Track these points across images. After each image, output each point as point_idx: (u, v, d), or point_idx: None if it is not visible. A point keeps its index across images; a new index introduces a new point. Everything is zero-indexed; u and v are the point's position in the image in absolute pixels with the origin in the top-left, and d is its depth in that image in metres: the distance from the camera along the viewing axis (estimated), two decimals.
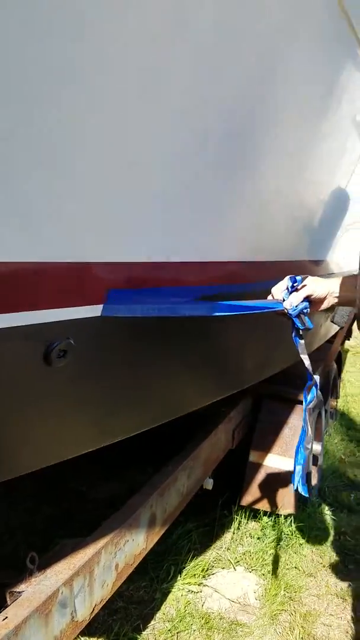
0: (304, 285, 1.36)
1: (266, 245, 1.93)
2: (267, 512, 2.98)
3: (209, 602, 2.43)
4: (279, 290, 1.38)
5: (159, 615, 2.31)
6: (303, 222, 2.27)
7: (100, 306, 1.14)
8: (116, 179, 1.09)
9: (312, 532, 2.95)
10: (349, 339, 6.41)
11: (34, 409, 1.06)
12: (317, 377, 1.55)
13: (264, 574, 2.63)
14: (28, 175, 0.89)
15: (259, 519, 3.01)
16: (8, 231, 0.88)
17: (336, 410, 4.99)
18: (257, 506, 2.93)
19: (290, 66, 1.42)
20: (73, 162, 0.96)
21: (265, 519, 2.99)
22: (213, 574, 2.63)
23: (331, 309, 1.48)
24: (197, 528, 2.88)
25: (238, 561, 2.72)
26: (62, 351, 1.00)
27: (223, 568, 2.67)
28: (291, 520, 2.96)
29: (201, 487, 2.40)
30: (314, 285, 1.37)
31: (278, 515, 2.96)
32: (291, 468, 1.52)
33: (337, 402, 5.12)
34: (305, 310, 1.36)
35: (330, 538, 2.95)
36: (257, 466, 2.91)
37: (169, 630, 2.21)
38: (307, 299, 1.36)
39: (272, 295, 1.40)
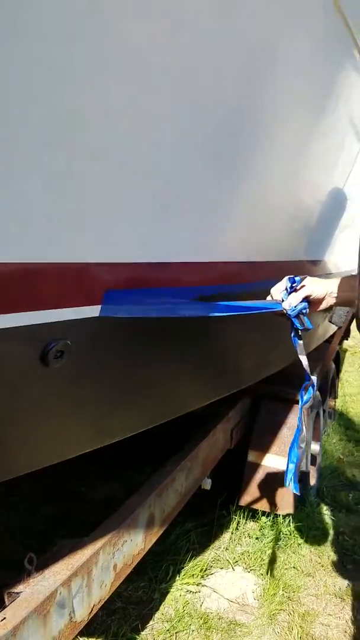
0: (303, 286, 1.37)
1: (264, 245, 1.93)
2: (265, 512, 2.98)
3: (207, 602, 2.43)
4: (278, 291, 1.39)
5: (157, 615, 2.32)
6: (301, 222, 2.27)
7: (98, 307, 1.14)
8: (114, 179, 1.09)
9: (311, 532, 2.95)
10: (347, 339, 6.42)
11: (31, 409, 1.06)
12: (314, 378, 1.56)
13: (262, 574, 2.63)
14: (25, 175, 0.89)
15: (258, 519, 3.01)
16: (4, 232, 0.88)
17: (334, 410, 5.00)
18: (255, 506, 2.93)
19: (286, 66, 1.42)
20: (71, 162, 0.96)
21: (263, 519, 2.99)
22: (212, 574, 2.63)
23: (329, 309, 1.48)
24: (195, 528, 2.88)
25: (237, 561, 2.72)
26: (59, 352, 1.00)
27: (222, 568, 2.67)
28: (289, 520, 2.96)
29: (199, 487, 2.40)
30: (312, 286, 1.38)
31: (276, 515, 2.97)
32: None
33: (335, 401, 5.13)
34: (304, 311, 1.36)
35: (329, 538, 2.95)
36: (256, 466, 2.91)
37: (168, 630, 2.21)
38: (306, 299, 1.37)
39: (271, 296, 1.40)
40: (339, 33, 1.56)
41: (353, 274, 1.39)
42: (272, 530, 2.93)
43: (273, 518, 2.99)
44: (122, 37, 0.94)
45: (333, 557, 2.79)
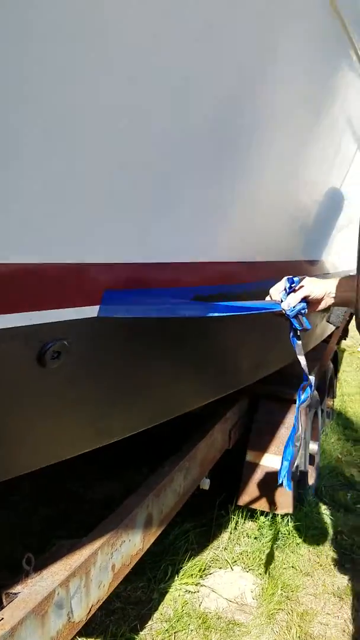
0: (302, 286, 1.38)
1: (262, 245, 1.93)
2: (264, 511, 2.98)
3: (206, 602, 2.43)
4: (276, 291, 1.39)
5: (156, 615, 2.32)
6: (298, 222, 2.27)
7: (95, 307, 1.14)
8: (113, 179, 1.09)
9: (309, 531, 2.96)
10: (345, 339, 6.43)
11: (29, 410, 1.06)
12: (312, 377, 1.56)
13: (261, 574, 2.63)
14: (24, 175, 0.89)
15: (256, 518, 3.02)
16: (1, 232, 0.89)
17: (333, 409, 5.00)
18: (254, 506, 2.93)
19: (283, 66, 1.42)
20: (70, 161, 0.96)
21: (262, 518, 3.00)
22: (210, 573, 2.63)
23: (327, 309, 1.49)
24: (194, 528, 2.89)
25: (235, 561, 2.72)
26: (56, 352, 1.00)
27: (220, 568, 2.68)
28: (288, 520, 2.97)
29: (198, 487, 2.40)
30: (311, 286, 1.38)
31: (275, 515, 2.97)
32: None
33: (333, 401, 5.14)
34: (302, 311, 1.37)
35: (327, 537, 2.96)
36: (254, 466, 2.92)
37: (167, 630, 2.22)
38: (305, 299, 1.38)
39: (270, 296, 1.41)
40: (335, 33, 1.57)
41: (351, 274, 1.40)
42: (271, 530, 2.93)
43: (271, 518, 2.99)
44: (121, 36, 0.94)
45: (331, 556, 2.80)
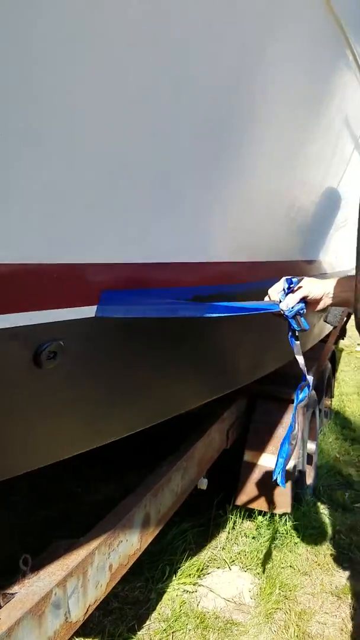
0: (300, 287, 1.38)
1: (259, 245, 1.93)
2: (262, 511, 2.99)
3: (204, 601, 2.43)
4: (275, 292, 1.40)
5: (154, 615, 2.32)
6: (295, 222, 2.27)
7: (92, 307, 1.14)
8: (108, 180, 1.09)
9: (307, 531, 2.96)
10: (343, 339, 6.44)
11: (25, 410, 1.06)
12: (310, 377, 1.57)
13: (259, 573, 2.63)
14: (21, 175, 0.89)
15: (254, 518, 3.02)
16: None
17: (330, 409, 5.01)
18: (251, 505, 2.94)
19: (279, 66, 1.42)
20: (64, 162, 0.96)
21: (260, 518, 3.00)
22: (208, 573, 2.63)
23: (325, 309, 1.50)
24: (192, 528, 2.89)
25: (233, 560, 2.72)
26: (52, 353, 1.00)
27: (218, 567, 2.68)
28: (286, 519, 2.97)
29: (196, 487, 2.40)
30: (309, 287, 1.39)
31: (273, 515, 2.97)
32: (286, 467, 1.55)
33: (331, 401, 5.14)
34: (301, 312, 1.38)
35: (325, 537, 2.96)
36: (252, 466, 2.92)
37: (164, 630, 2.22)
38: (303, 300, 1.38)
39: (269, 297, 1.42)
40: (331, 33, 1.57)
41: (349, 274, 1.40)
42: (269, 529, 2.93)
43: (269, 517, 2.99)
44: (120, 35, 0.95)
45: (329, 555, 2.80)
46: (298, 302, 1.37)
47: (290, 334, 1.41)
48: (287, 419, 3.03)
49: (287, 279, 1.38)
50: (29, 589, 1.30)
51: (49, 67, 0.86)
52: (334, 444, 4.25)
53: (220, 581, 2.58)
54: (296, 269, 2.42)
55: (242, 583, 2.57)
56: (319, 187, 2.34)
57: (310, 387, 1.55)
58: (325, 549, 2.85)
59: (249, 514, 3.04)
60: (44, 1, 0.80)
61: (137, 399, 1.49)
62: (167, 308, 1.30)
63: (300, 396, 1.53)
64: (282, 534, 2.91)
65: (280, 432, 2.96)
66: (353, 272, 1.34)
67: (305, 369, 1.48)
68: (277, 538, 2.88)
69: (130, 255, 1.25)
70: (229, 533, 2.93)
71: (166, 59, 1.08)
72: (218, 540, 2.88)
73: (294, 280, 1.38)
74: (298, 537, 2.91)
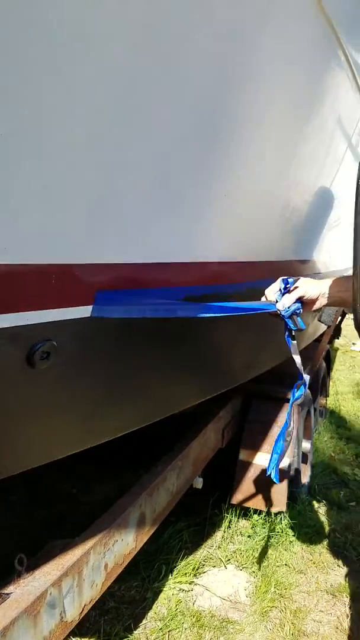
0: (296, 287, 1.40)
1: (253, 245, 1.94)
2: (257, 510, 2.99)
3: (200, 600, 2.44)
4: (272, 292, 1.42)
5: (150, 614, 2.32)
6: (289, 221, 2.28)
7: (86, 307, 1.15)
8: (103, 179, 1.09)
9: (302, 529, 2.97)
10: (338, 338, 6.46)
11: (18, 410, 1.06)
12: (307, 376, 1.58)
13: (254, 572, 2.64)
14: (14, 176, 0.89)
15: (250, 517, 3.03)
16: None
17: (326, 408, 5.03)
18: (247, 504, 2.95)
19: (270, 66, 1.43)
20: (56, 161, 0.97)
21: (255, 517, 3.01)
22: (204, 572, 2.64)
23: (319, 308, 1.51)
24: (188, 527, 2.89)
25: (229, 559, 2.73)
26: (45, 353, 1.00)
27: (214, 566, 2.69)
28: (281, 518, 2.98)
29: (191, 486, 2.41)
30: (306, 287, 1.41)
31: (268, 513, 2.98)
32: (281, 466, 1.56)
33: (326, 400, 5.16)
34: (297, 311, 1.39)
35: (320, 535, 2.97)
36: (247, 465, 2.93)
37: (161, 629, 2.22)
38: (300, 300, 1.40)
39: (266, 297, 1.43)
40: (323, 33, 1.58)
41: (346, 274, 1.42)
42: (264, 528, 2.94)
43: (265, 516, 3.00)
44: (118, 33, 0.95)
45: (325, 554, 2.81)
46: (294, 302, 1.39)
47: (286, 333, 1.43)
48: (282, 418, 3.04)
49: (283, 280, 1.40)
50: (24, 589, 1.30)
51: (49, 68, 0.86)
52: (329, 443, 4.27)
53: (216, 580, 2.58)
54: (290, 268, 2.43)
55: (237, 582, 2.58)
56: (313, 187, 2.35)
57: (306, 386, 1.57)
58: (321, 548, 2.86)
59: (245, 512, 3.05)
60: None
61: (131, 398, 1.49)
62: (163, 308, 1.31)
63: (297, 394, 1.54)
64: (278, 532, 2.92)
65: (276, 431, 2.97)
66: (347, 272, 1.35)
67: (302, 368, 1.50)
68: (272, 537, 2.89)
69: (126, 255, 1.26)
70: (224, 532, 2.94)
71: (162, 60, 1.08)
72: (214, 539, 2.89)
73: (290, 280, 1.40)
74: (293, 535, 2.92)
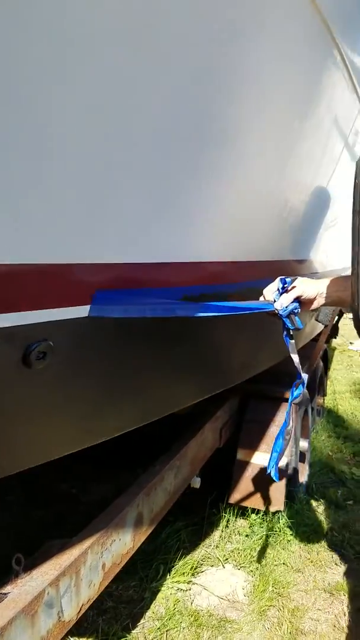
0: (294, 287, 1.41)
1: (251, 245, 1.95)
2: (255, 509, 3.00)
3: (198, 599, 2.44)
4: (270, 292, 1.43)
5: (148, 614, 2.32)
6: (286, 221, 2.29)
7: (84, 307, 1.15)
8: (103, 179, 1.09)
9: (300, 528, 2.98)
10: (335, 337, 6.48)
11: (14, 410, 1.06)
12: (305, 376, 1.59)
13: (252, 571, 2.65)
14: (11, 175, 0.90)
15: (247, 516, 3.03)
16: None
17: (323, 407, 5.03)
18: (245, 504, 2.95)
19: (266, 66, 1.43)
20: (55, 161, 0.97)
21: (253, 516, 3.01)
22: (202, 571, 2.64)
23: (316, 308, 1.52)
24: (186, 527, 2.90)
25: (227, 559, 2.74)
26: (41, 353, 1.00)
27: (212, 566, 2.69)
28: (279, 517, 2.98)
29: (189, 486, 2.41)
30: (303, 287, 1.41)
31: (266, 513, 2.99)
32: (279, 465, 1.57)
33: (324, 399, 5.17)
34: (295, 311, 1.40)
35: (318, 534, 2.98)
36: (245, 464, 2.93)
37: (159, 628, 2.22)
38: (297, 299, 1.41)
39: (264, 296, 1.44)
40: (318, 33, 1.58)
41: (343, 274, 1.43)
42: (262, 527, 2.95)
43: (263, 515, 3.01)
44: (115, 32, 0.96)
45: (322, 552, 2.82)
46: (292, 302, 1.40)
47: (284, 333, 1.44)
48: (279, 417, 3.05)
49: (281, 279, 1.41)
50: (22, 589, 1.30)
51: (49, 67, 0.86)
52: (326, 442, 4.28)
53: (214, 579, 2.59)
54: (288, 268, 2.43)
55: (235, 581, 2.58)
56: (309, 187, 2.36)
57: (305, 385, 1.58)
58: (318, 546, 2.87)
59: (243, 512, 3.06)
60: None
61: (129, 398, 1.49)
62: (164, 308, 1.31)
63: (295, 393, 1.55)
64: (276, 531, 2.93)
65: (273, 430, 2.98)
66: (343, 272, 1.36)
67: (300, 367, 1.51)
68: (270, 536, 2.89)
69: (124, 255, 1.26)
70: (222, 531, 2.94)
71: (160, 60, 1.09)
72: (212, 539, 2.89)
73: (288, 280, 1.41)
74: (291, 534, 2.92)
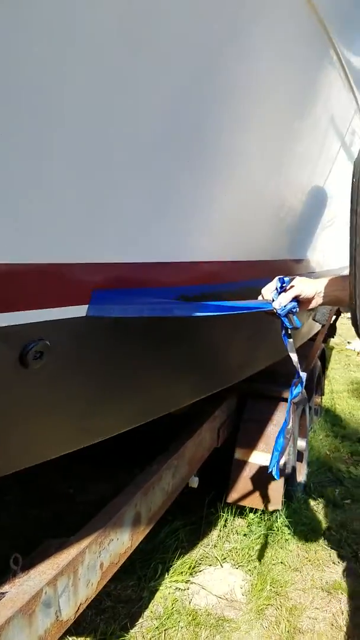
0: (292, 286, 1.41)
1: (250, 245, 1.95)
2: (253, 508, 3.00)
3: (196, 599, 2.45)
4: (268, 291, 1.43)
5: (146, 613, 2.33)
6: (283, 221, 2.29)
7: (81, 307, 1.15)
8: (101, 179, 1.10)
9: (298, 527, 2.98)
10: (333, 337, 6.48)
11: (11, 410, 1.06)
12: (304, 375, 1.60)
13: (250, 570, 2.65)
14: (11, 175, 0.90)
15: (245, 515, 3.04)
16: None
17: (321, 406, 5.04)
18: (243, 503, 2.95)
19: (262, 66, 1.43)
20: (55, 161, 0.97)
21: (251, 515, 3.02)
22: (200, 571, 2.65)
23: (314, 308, 1.53)
24: (184, 526, 2.90)
25: (225, 558, 2.74)
26: (38, 352, 1.00)
27: (210, 565, 2.69)
28: (277, 516, 2.99)
29: (187, 485, 2.41)
30: (302, 286, 1.42)
31: (264, 512, 2.99)
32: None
33: (321, 399, 5.18)
34: (293, 310, 1.41)
35: (316, 533, 2.98)
36: (243, 463, 2.94)
37: (157, 627, 2.23)
38: (296, 299, 1.41)
39: (262, 296, 1.44)
40: (314, 32, 1.58)
41: (341, 274, 1.44)
42: (260, 526, 2.95)
43: (261, 514, 3.01)
44: (118, 40, 0.96)
45: (320, 551, 2.82)
46: (290, 301, 1.40)
47: (283, 332, 1.44)
48: (277, 416, 3.05)
49: (279, 279, 1.41)
50: (20, 588, 1.30)
51: (48, 67, 0.87)
52: (324, 441, 4.29)
53: (212, 578, 2.59)
54: (285, 267, 2.43)
55: (233, 580, 2.59)
56: (306, 186, 2.36)
57: (303, 384, 1.58)
58: (316, 545, 2.88)
59: (240, 511, 3.06)
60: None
61: (126, 398, 1.49)
62: (162, 307, 1.32)
63: (294, 392, 1.56)
64: (274, 530, 2.93)
65: (270, 429, 2.98)
66: (340, 271, 1.36)
67: (299, 366, 1.52)
68: (268, 535, 2.90)
69: (123, 255, 1.26)
70: (220, 531, 2.94)
71: (159, 60, 1.09)
72: (210, 538, 2.90)
73: (286, 279, 1.41)
74: (289, 533, 2.93)
